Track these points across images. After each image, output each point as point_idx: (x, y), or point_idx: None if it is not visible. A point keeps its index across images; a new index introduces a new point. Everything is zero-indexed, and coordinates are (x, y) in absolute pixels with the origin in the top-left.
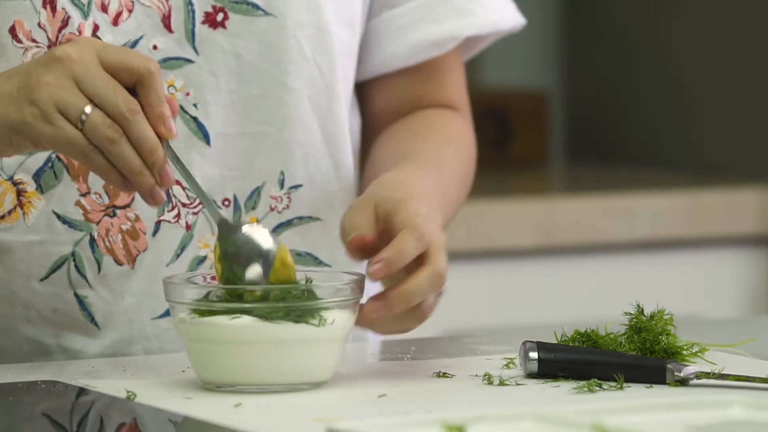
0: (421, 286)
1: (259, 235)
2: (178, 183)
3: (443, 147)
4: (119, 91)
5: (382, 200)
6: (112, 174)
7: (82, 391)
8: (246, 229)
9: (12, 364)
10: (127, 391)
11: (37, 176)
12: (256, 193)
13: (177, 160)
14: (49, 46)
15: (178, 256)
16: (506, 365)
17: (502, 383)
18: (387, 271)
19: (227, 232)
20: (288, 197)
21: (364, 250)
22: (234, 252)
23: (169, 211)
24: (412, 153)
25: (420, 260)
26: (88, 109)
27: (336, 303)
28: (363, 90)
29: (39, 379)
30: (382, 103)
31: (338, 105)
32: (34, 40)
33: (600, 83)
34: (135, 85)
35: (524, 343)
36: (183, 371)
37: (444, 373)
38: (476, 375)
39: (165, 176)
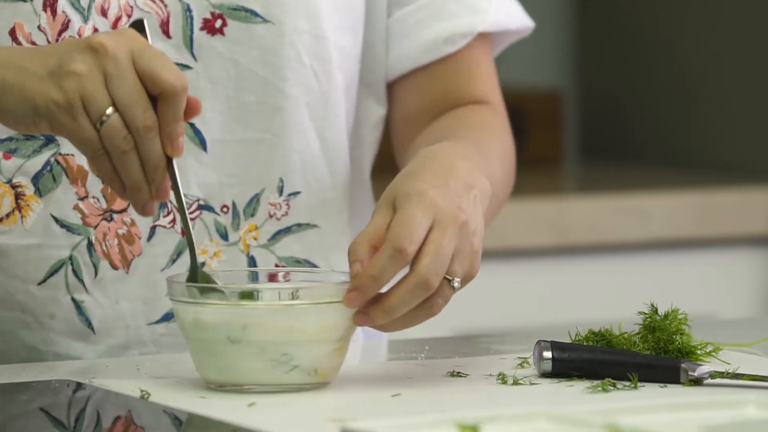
0: (403, 299)
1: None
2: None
3: (482, 133)
4: (141, 102)
5: (399, 197)
6: (114, 182)
7: (79, 387)
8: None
9: (26, 364)
10: (141, 390)
11: (35, 180)
12: (255, 199)
13: (174, 181)
14: None
15: (173, 261)
16: (520, 365)
17: (516, 383)
18: (363, 299)
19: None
20: (287, 204)
21: None
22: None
23: (164, 216)
24: (450, 136)
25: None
26: (109, 111)
27: (337, 302)
28: (388, 93)
29: (53, 378)
30: (409, 103)
31: (335, 112)
32: (33, 43)
33: (613, 82)
34: (158, 96)
35: (538, 342)
36: (196, 370)
37: (458, 373)
38: (490, 374)
39: (162, 192)
